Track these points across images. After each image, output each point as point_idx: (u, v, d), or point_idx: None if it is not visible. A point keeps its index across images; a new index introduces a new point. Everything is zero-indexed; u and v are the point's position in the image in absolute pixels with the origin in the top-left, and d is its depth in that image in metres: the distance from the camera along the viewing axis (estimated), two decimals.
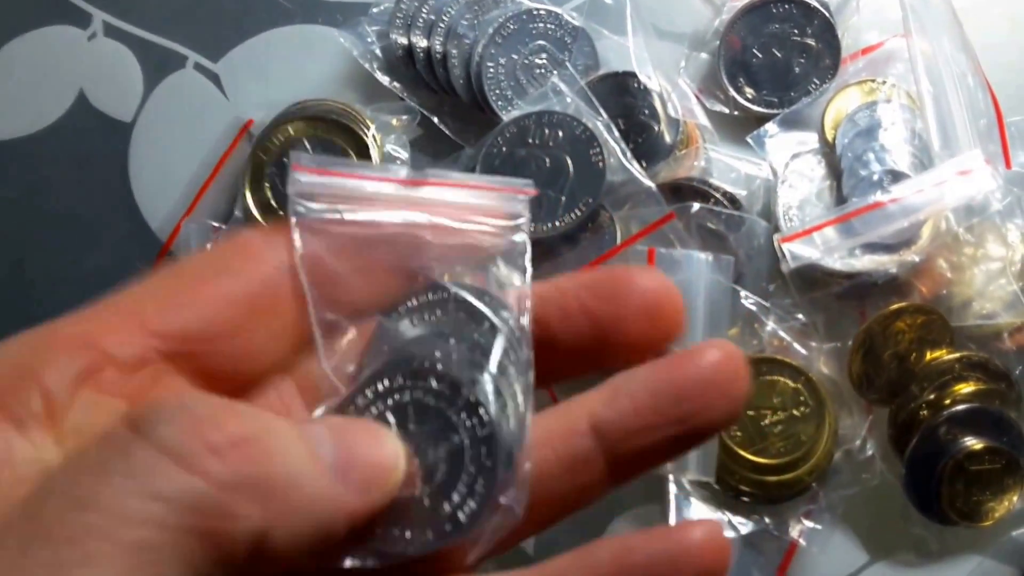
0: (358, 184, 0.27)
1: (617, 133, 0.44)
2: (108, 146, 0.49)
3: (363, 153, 0.45)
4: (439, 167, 0.45)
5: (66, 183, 0.49)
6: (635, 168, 0.44)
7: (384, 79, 0.48)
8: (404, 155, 0.46)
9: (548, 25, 0.46)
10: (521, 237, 0.29)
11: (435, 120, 0.46)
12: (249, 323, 0.23)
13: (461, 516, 0.25)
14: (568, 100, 0.45)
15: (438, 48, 0.46)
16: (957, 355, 0.43)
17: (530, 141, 0.44)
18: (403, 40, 0.47)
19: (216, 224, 0.46)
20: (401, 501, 0.24)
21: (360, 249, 0.24)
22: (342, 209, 0.25)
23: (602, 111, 0.45)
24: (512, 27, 0.46)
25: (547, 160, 0.44)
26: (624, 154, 0.44)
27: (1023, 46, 0.48)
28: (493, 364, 0.26)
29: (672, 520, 0.42)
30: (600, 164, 0.43)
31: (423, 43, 0.47)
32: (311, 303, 0.23)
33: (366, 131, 0.46)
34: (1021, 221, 0.44)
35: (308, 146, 0.45)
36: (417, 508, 0.24)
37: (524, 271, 0.29)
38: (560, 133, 0.44)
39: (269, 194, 0.46)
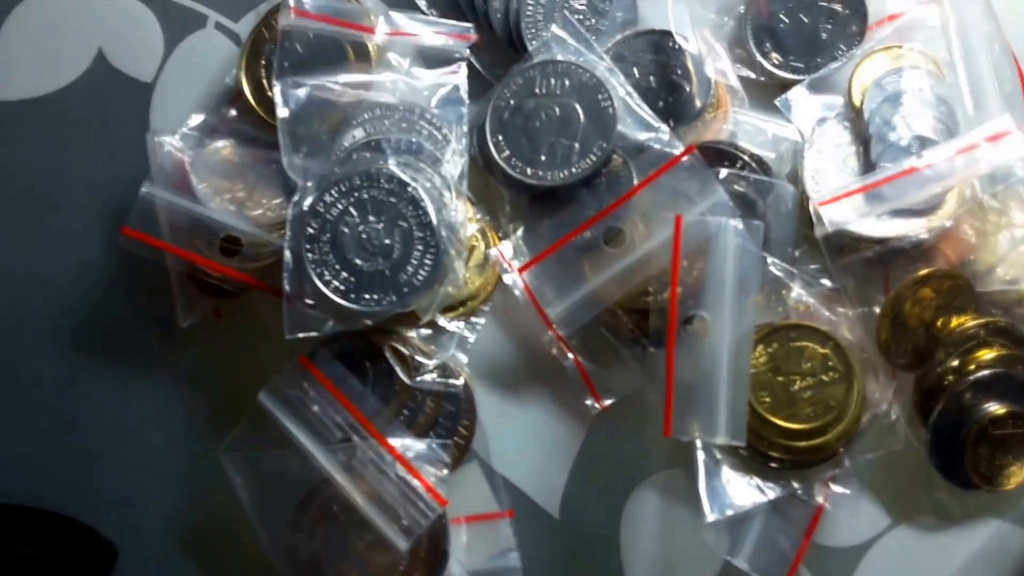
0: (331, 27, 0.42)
1: (622, 77, 0.45)
2: (128, 106, 0.48)
3: (362, 53, 0.45)
4: (469, 103, 0.45)
5: (85, 143, 0.48)
6: (644, 110, 0.44)
7: (423, 3, 0.48)
8: (406, 62, 0.46)
9: None
10: (460, 78, 0.45)
11: (466, 51, 0.46)
12: None
13: (415, 281, 0.41)
14: (570, 46, 0.45)
15: None
16: (982, 321, 0.43)
17: (537, 92, 0.45)
18: None
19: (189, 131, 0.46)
20: (369, 274, 0.40)
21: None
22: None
23: (603, 56, 0.45)
24: None
25: (556, 109, 0.44)
26: (630, 96, 0.44)
27: None
28: (428, 168, 0.41)
29: (701, 488, 0.42)
30: (610, 109, 0.44)
31: None
32: None
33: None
34: None
35: (312, 36, 0.45)
36: (382, 278, 0.40)
37: (462, 102, 0.44)
38: (566, 81, 0.44)
39: (263, 72, 0.46)
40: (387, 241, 0.41)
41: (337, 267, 0.41)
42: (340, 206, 0.41)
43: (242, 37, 0.49)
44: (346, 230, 0.41)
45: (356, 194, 0.41)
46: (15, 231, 0.48)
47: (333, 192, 0.41)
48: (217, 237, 0.44)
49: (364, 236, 0.41)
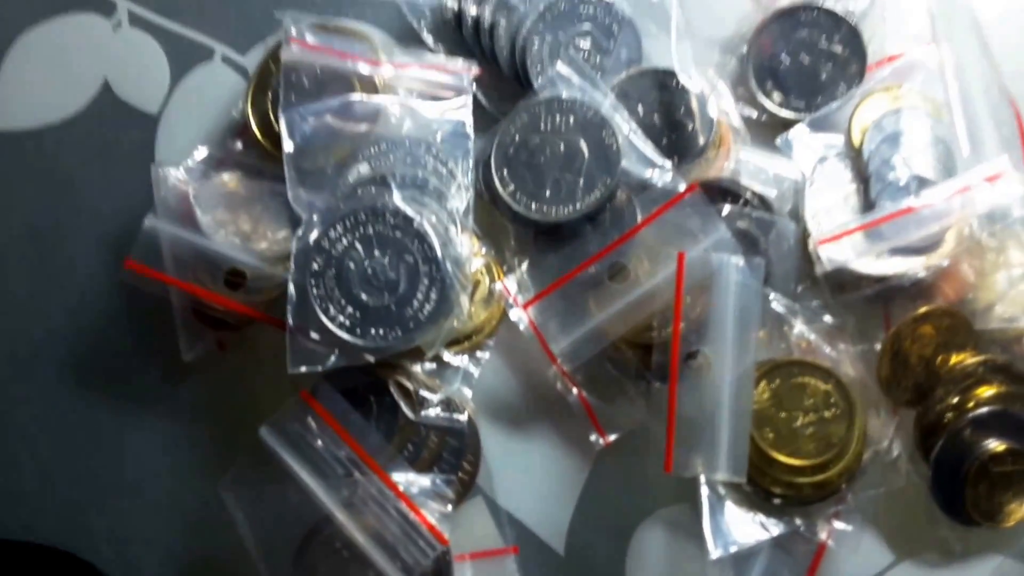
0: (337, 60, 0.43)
1: (626, 114, 0.45)
2: (134, 137, 0.49)
3: (369, 87, 0.46)
4: (475, 138, 0.46)
5: (90, 174, 0.49)
6: (648, 147, 0.45)
7: (428, 38, 0.49)
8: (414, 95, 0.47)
9: (597, 10, 0.47)
10: (465, 114, 0.45)
11: (473, 88, 0.47)
12: None
13: (421, 316, 0.41)
14: (574, 83, 0.46)
15: (487, 17, 0.47)
16: (981, 358, 0.44)
17: (542, 128, 0.45)
18: (453, 4, 0.48)
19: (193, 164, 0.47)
20: (374, 308, 0.39)
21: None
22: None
23: (608, 93, 0.46)
24: (563, 7, 0.47)
25: (561, 145, 0.45)
26: (633, 132, 0.45)
27: None
28: (434, 203, 0.42)
29: (705, 524, 0.42)
30: (614, 146, 0.44)
31: (473, 10, 0.48)
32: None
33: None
34: None
35: (319, 70, 0.45)
36: (387, 312, 0.39)
37: (467, 137, 0.44)
38: (571, 118, 0.45)
39: (269, 105, 0.46)
40: (392, 276, 0.41)
41: (342, 302, 0.41)
42: (346, 240, 0.42)
43: (249, 70, 0.49)
44: (351, 265, 0.42)
45: (362, 229, 0.42)
46: (18, 261, 0.48)
47: (339, 227, 0.42)
48: (221, 270, 0.44)
49: (369, 271, 0.42)
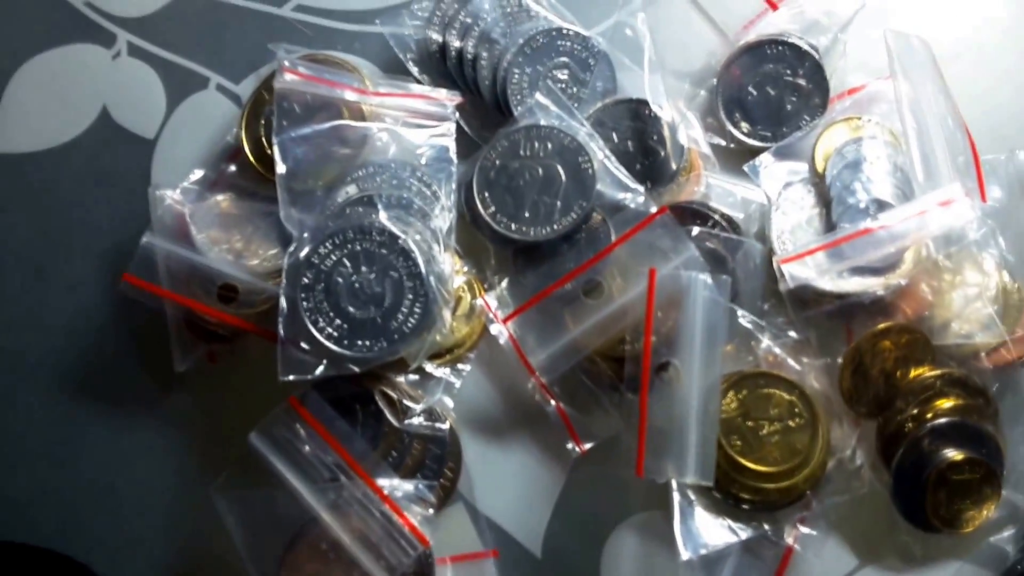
0: (327, 89, 0.44)
1: (601, 142, 0.48)
2: (131, 161, 0.51)
3: (357, 114, 0.48)
4: (457, 162, 0.48)
5: (89, 195, 0.50)
6: (622, 172, 0.47)
7: (414, 69, 0.51)
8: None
9: (574, 45, 0.49)
10: (448, 140, 0.47)
11: (456, 116, 0.49)
12: None
13: (405, 328, 0.42)
14: (552, 112, 0.48)
15: (470, 50, 0.50)
16: (939, 372, 0.46)
17: (522, 153, 0.47)
18: (438, 37, 0.50)
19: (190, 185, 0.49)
20: (361, 321, 0.41)
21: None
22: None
23: (584, 122, 0.48)
24: (541, 41, 0.49)
25: (539, 170, 0.47)
26: (608, 159, 0.47)
27: (996, 91, 0.52)
28: (418, 223, 0.44)
29: (676, 528, 0.44)
30: (589, 170, 0.47)
31: (457, 43, 0.50)
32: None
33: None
34: (996, 251, 0.47)
35: (310, 98, 0.48)
36: (373, 325, 0.40)
37: (450, 161, 0.46)
38: (549, 144, 0.47)
39: (262, 131, 0.48)
40: (378, 290, 0.43)
41: (331, 314, 0.43)
42: (334, 257, 0.43)
43: (242, 98, 0.51)
44: (340, 280, 0.43)
45: (350, 246, 0.43)
46: (19, 277, 0.50)
47: (328, 244, 0.43)
48: (215, 285, 0.46)
49: (357, 285, 0.43)
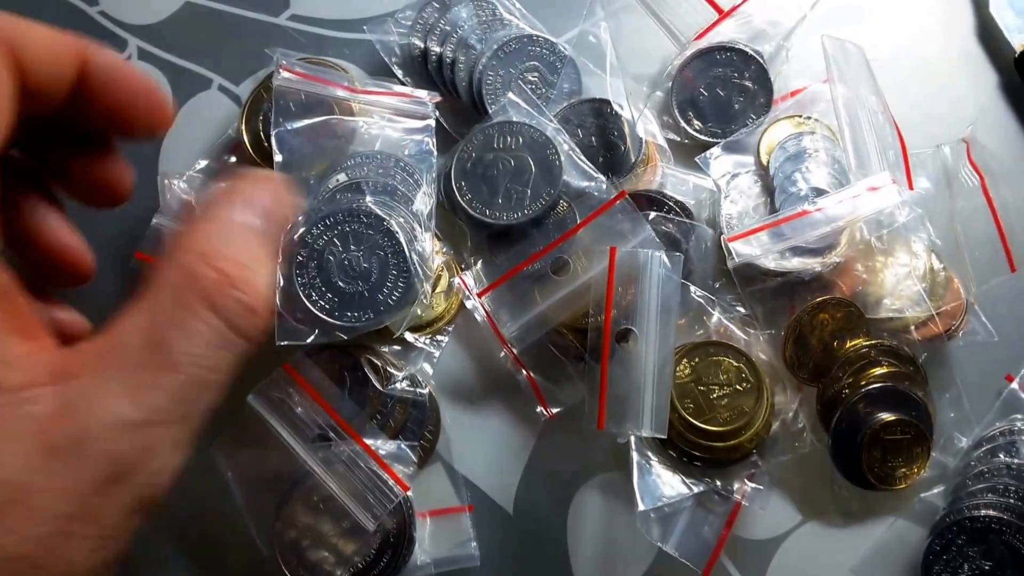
0: (320, 87, 0.48)
1: (567, 136, 0.52)
2: (140, 152, 0.54)
3: (346, 110, 0.52)
4: (436, 154, 0.52)
5: None
6: (586, 163, 0.51)
7: (399, 72, 0.55)
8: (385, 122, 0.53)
9: (543, 50, 0.54)
10: (429, 134, 0.50)
11: (436, 113, 0.53)
12: None
13: (390, 301, 0.45)
14: (523, 110, 0.52)
15: (449, 54, 0.54)
16: (872, 342, 0.50)
17: (495, 146, 0.51)
18: (420, 43, 0.55)
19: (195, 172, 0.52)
20: (350, 295, 0.43)
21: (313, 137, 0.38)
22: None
23: (552, 119, 0.52)
24: (514, 46, 0.54)
25: (511, 161, 0.51)
26: (573, 151, 0.51)
27: (924, 90, 0.57)
28: (402, 207, 0.47)
29: (635, 483, 0.48)
30: (556, 162, 0.51)
31: (437, 48, 0.54)
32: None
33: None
34: (924, 235, 0.52)
35: (304, 96, 0.52)
36: (361, 298, 0.42)
37: (431, 154, 0.49)
38: (520, 139, 0.51)
39: (260, 126, 0.52)
40: (366, 267, 0.47)
41: (322, 288, 0.47)
42: (326, 237, 0.47)
43: (242, 98, 0.56)
44: (331, 258, 0.47)
45: (340, 227, 0.47)
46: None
47: (320, 225, 0.47)
48: None
49: (346, 263, 0.47)
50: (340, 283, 0.47)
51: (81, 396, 0.29)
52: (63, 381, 0.29)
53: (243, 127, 0.53)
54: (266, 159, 0.51)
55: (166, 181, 0.51)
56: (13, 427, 0.27)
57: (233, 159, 0.53)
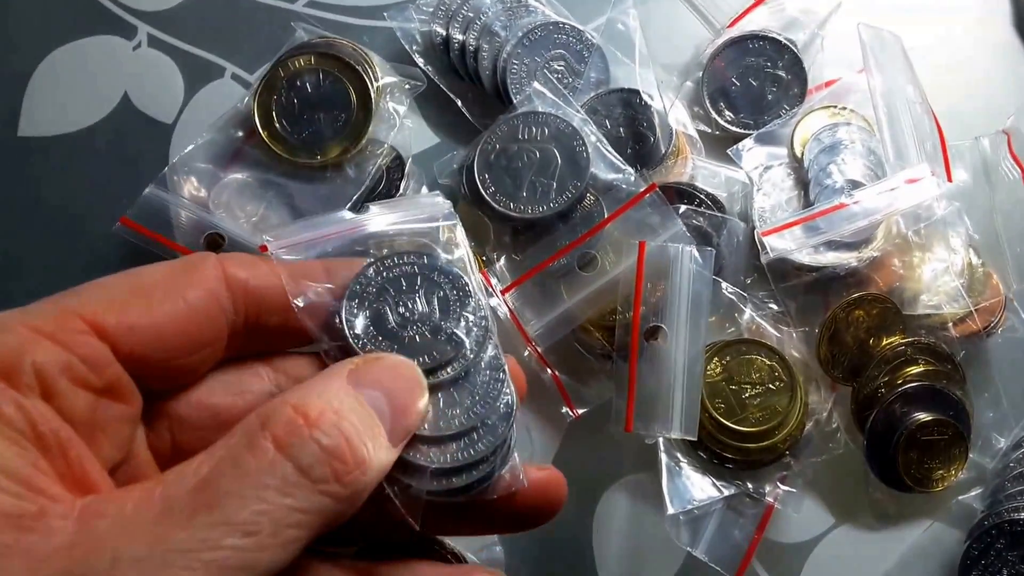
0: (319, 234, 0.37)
1: (594, 127, 0.50)
2: (150, 143, 0.53)
3: (364, 99, 0.50)
4: (459, 147, 0.50)
5: (110, 175, 0.53)
6: (614, 155, 0.50)
7: (419, 60, 0.53)
8: (402, 109, 0.52)
9: (570, 38, 0.53)
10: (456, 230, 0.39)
11: (459, 104, 0.52)
12: (190, 333, 0.30)
13: (456, 337, 0.37)
14: (549, 100, 0.51)
15: (472, 42, 0.53)
16: (909, 340, 0.49)
17: (520, 138, 0.50)
18: (442, 30, 0.53)
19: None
20: (411, 338, 0.37)
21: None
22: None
23: (578, 109, 0.51)
24: (539, 34, 0.52)
25: (537, 153, 0.50)
26: (601, 143, 0.50)
27: (961, 80, 0.55)
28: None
29: (664, 485, 0.46)
30: (584, 154, 0.49)
31: (460, 36, 0.53)
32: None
33: (372, 81, 0.51)
34: (962, 229, 0.50)
35: (321, 76, 0.50)
36: (423, 340, 0.36)
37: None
38: (546, 130, 0.50)
39: (273, 105, 0.50)
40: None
41: None
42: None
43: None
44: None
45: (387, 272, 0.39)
46: (44, 252, 0.52)
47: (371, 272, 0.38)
48: (204, 233, 0.48)
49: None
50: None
51: (95, 537, 0.25)
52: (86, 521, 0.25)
53: (254, 101, 0.50)
54: (274, 138, 0.50)
55: (176, 177, 0.49)
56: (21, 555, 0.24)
57: (240, 133, 0.51)
